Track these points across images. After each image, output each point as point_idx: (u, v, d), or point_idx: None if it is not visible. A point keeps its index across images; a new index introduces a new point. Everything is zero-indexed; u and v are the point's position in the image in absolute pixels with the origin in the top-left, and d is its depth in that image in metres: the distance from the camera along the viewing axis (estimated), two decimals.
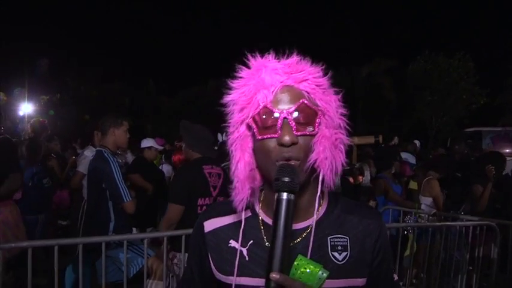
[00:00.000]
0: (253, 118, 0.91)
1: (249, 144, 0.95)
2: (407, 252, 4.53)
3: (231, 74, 0.97)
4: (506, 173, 5.64)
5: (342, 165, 0.94)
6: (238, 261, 0.97)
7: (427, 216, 4.57)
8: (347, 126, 0.95)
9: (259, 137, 0.90)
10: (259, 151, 0.92)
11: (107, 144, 3.38)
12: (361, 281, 0.97)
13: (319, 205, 1.00)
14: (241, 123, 0.94)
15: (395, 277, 1.06)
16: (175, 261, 3.03)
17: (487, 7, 38.17)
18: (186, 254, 2.97)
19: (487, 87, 21.62)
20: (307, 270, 0.82)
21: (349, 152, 1.01)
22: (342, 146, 0.94)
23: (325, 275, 0.83)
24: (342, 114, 0.95)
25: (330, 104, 0.93)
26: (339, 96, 0.96)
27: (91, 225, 3.29)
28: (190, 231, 2.81)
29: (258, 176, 0.97)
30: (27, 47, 29.44)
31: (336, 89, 0.96)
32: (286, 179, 0.82)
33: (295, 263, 0.84)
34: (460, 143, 6.29)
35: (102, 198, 3.22)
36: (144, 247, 3.08)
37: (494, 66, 23.30)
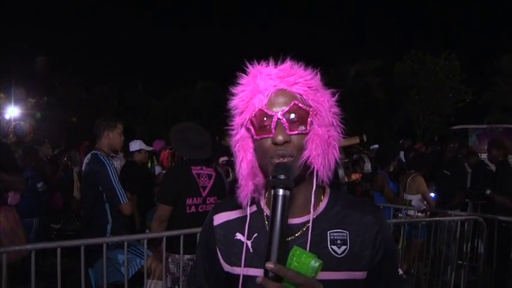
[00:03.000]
0: (251, 120, 0.99)
1: (250, 144, 1.03)
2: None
3: (228, 77, 1.06)
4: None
5: (335, 160, 1.01)
6: (245, 253, 1.04)
7: (416, 212, 4.69)
8: (340, 124, 1.02)
9: (256, 137, 0.99)
10: (258, 150, 1.00)
11: (101, 147, 3.40)
12: (360, 274, 1.01)
13: (319, 201, 1.07)
14: (241, 125, 1.03)
15: (400, 271, 1.10)
16: (169, 260, 3.09)
17: (472, 7, 38.80)
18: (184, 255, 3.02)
19: (472, 85, 22.04)
20: (301, 260, 0.87)
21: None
22: (335, 143, 1.01)
23: (317, 264, 0.86)
24: (335, 113, 1.02)
25: (322, 104, 0.99)
26: (332, 97, 1.03)
27: (88, 228, 3.31)
28: (187, 231, 2.89)
29: (259, 173, 1.04)
30: (14, 49, 29.07)
31: (329, 90, 1.03)
32: (282, 176, 0.89)
33: (290, 253, 0.88)
34: (455, 141, 6.44)
35: (98, 201, 3.24)
36: (141, 248, 3.12)
37: (479, 65, 23.79)
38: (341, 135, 1.02)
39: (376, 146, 8.41)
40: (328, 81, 1.04)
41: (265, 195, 1.10)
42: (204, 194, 3.21)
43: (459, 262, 4.44)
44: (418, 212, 4.71)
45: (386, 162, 5.13)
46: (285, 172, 0.89)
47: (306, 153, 0.95)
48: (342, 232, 1.02)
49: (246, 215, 1.07)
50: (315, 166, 0.96)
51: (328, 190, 1.11)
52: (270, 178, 0.91)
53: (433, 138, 17.73)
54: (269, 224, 0.88)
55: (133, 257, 3.15)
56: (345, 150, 5.08)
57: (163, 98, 30.10)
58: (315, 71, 1.01)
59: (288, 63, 1.00)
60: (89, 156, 3.40)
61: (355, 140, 4.36)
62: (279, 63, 1.01)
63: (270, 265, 0.82)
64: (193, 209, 3.14)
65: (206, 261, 1.15)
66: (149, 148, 5.95)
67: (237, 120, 1.03)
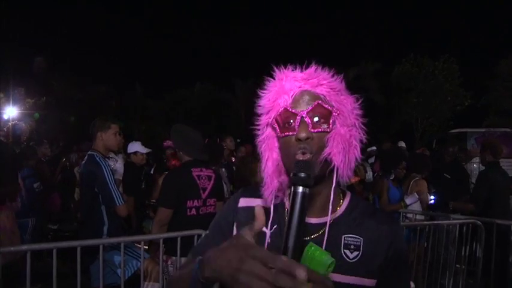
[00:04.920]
0: (276, 119, 1.03)
1: (275, 143, 1.07)
2: None
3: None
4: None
5: (356, 159, 1.03)
6: (266, 245, 1.05)
7: (414, 216, 4.67)
8: (362, 126, 1.05)
9: (281, 135, 1.02)
10: (282, 148, 1.04)
11: (97, 148, 3.38)
12: (369, 282, 1.02)
13: (338, 204, 1.09)
14: (267, 125, 1.07)
15: (412, 285, 1.11)
16: (169, 262, 3.07)
17: (470, 11, 38.98)
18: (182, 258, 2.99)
19: (471, 89, 22.04)
20: (315, 256, 0.87)
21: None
22: (357, 143, 1.03)
23: (330, 261, 0.86)
24: (357, 115, 1.05)
25: (345, 105, 1.03)
26: (355, 99, 1.06)
27: (85, 229, 3.29)
28: (185, 233, 2.87)
29: (284, 172, 1.06)
30: (12, 49, 28.98)
31: (353, 94, 1.07)
32: (302, 175, 0.88)
33: (305, 248, 0.89)
34: (454, 145, 6.41)
35: (95, 202, 3.22)
36: (138, 249, 3.10)
37: (478, 69, 23.81)
38: (363, 136, 1.05)
39: (374, 148, 8.39)
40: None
41: (288, 193, 1.10)
42: (204, 195, 3.19)
43: (457, 266, 4.43)
44: (416, 215, 4.70)
45: (388, 170, 5.04)
46: (305, 170, 0.89)
47: (327, 150, 0.98)
48: (356, 238, 1.04)
49: (270, 207, 1.07)
50: (335, 163, 0.98)
51: (349, 194, 1.13)
52: (291, 175, 0.91)
53: (431, 142, 17.74)
54: (287, 220, 0.88)
55: (130, 259, 3.12)
56: None
57: (161, 99, 30.11)
58: (339, 76, 1.05)
59: (312, 67, 1.04)
60: (86, 157, 3.38)
61: None
62: (303, 68, 1.04)
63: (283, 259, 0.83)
64: (193, 212, 3.13)
65: (217, 237, 1.12)
66: (146, 150, 5.92)
67: (263, 120, 1.07)
